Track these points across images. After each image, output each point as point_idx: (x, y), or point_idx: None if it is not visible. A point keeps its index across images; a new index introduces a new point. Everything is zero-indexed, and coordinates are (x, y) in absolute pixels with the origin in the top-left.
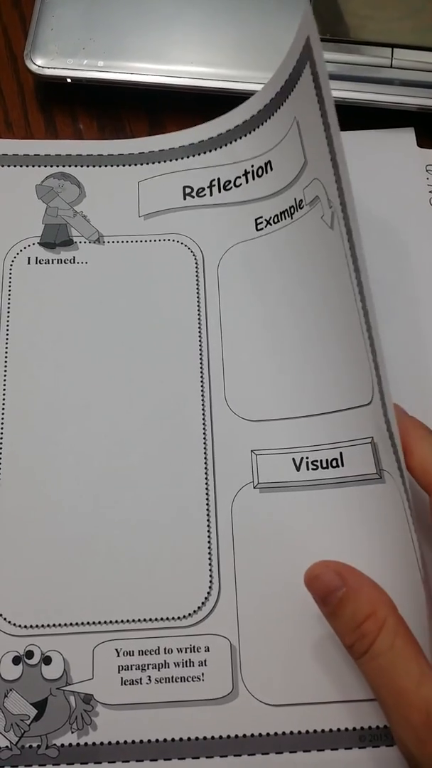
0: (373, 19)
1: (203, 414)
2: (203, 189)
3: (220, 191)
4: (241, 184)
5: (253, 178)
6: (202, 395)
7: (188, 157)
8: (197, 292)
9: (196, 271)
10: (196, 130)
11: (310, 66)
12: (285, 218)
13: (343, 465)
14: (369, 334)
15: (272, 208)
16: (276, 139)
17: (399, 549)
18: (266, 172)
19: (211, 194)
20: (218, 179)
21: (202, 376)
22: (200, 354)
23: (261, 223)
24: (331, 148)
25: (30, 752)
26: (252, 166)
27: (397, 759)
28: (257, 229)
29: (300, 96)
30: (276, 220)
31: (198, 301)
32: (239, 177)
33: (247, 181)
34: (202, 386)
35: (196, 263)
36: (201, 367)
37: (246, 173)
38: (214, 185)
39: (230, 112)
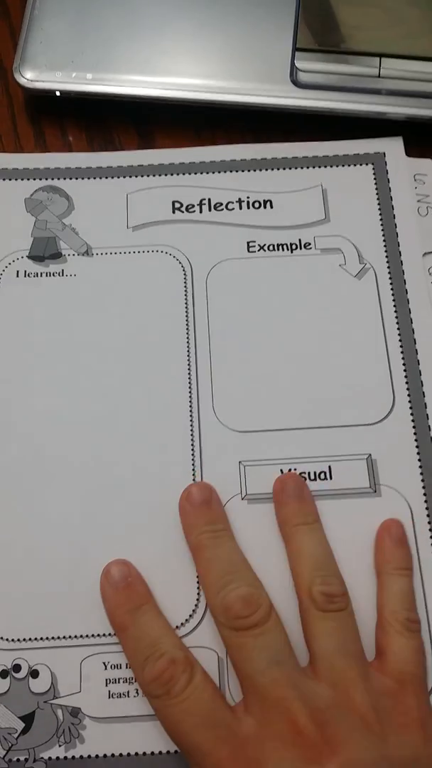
0: (361, 29)
1: (191, 425)
2: (192, 205)
3: (210, 210)
4: (233, 209)
5: (248, 207)
6: (191, 406)
7: (179, 174)
8: (186, 304)
9: (185, 283)
10: (190, 151)
11: (376, 173)
12: (282, 250)
13: (331, 478)
14: (406, 374)
15: (268, 238)
16: (285, 188)
17: None
18: (264, 207)
19: (200, 211)
20: (209, 199)
21: (190, 387)
22: (188, 365)
23: (254, 246)
24: (389, 239)
25: (17, 765)
26: (248, 197)
27: None
28: (249, 251)
29: (341, 177)
30: (271, 248)
31: (186, 313)
32: (232, 202)
33: (240, 208)
34: (190, 397)
35: (185, 275)
36: (189, 378)
37: (240, 201)
38: (204, 204)
39: (236, 146)
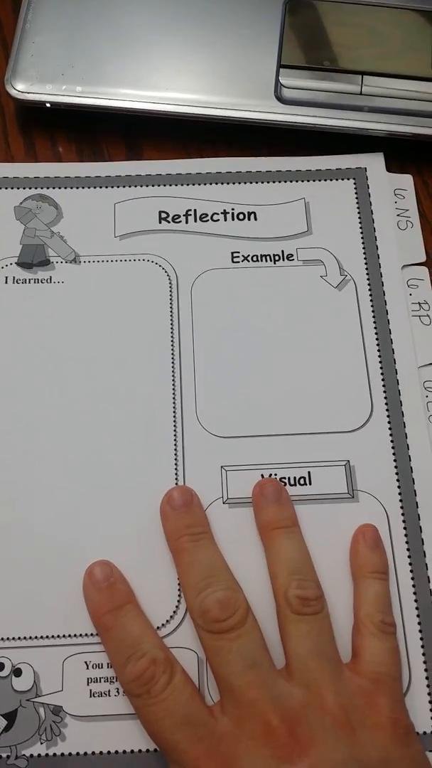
0: (344, 48)
1: (174, 430)
2: (179, 216)
3: (195, 221)
4: (218, 220)
5: (233, 219)
6: (174, 411)
7: (165, 185)
8: (171, 312)
9: (170, 292)
10: (177, 163)
11: (357, 188)
12: (265, 261)
13: (310, 483)
14: (384, 383)
15: (251, 249)
16: (269, 201)
17: None
18: (248, 219)
19: (186, 222)
20: (194, 210)
21: (174, 393)
22: (173, 371)
23: (237, 256)
24: (369, 252)
25: None
26: (233, 209)
27: None
28: (233, 261)
29: (323, 191)
30: (255, 259)
31: (171, 321)
32: (216, 213)
33: (225, 219)
34: (174, 402)
35: (170, 283)
36: (173, 384)
37: (225, 212)
38: (190, 214)
39: (221, 159)
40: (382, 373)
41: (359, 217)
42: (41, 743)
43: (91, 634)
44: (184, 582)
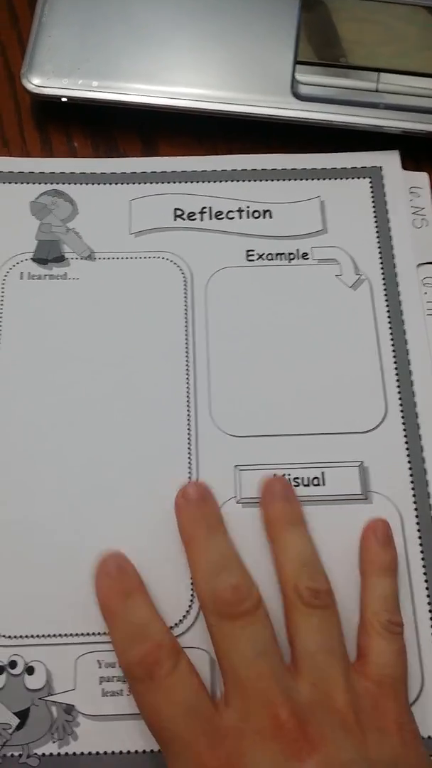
0: (361, 44)
1: (188, 428)
2: (194, 213)
3: (211, 218)
4: (234, 217)
5: (248, 217)
6: (188, 410)
7: (181, 182)
8: (185, 310)
9: (185, 289)
10: (192, 160)
11: (373, 187)
12: (280, 259)
13: (324, 484)
14: (398, 383)
15: (267, 247)
16: (284, 199)
17: None
18: (264, 217)
19: (201, 219)
20: (210, 207)
21: (188, 391)
22: (186, 369)
23: (252, 255)
24: (384, 251)
25: (11, 761)
26: (248, 207)
27: None
28: (248, 259)
29: (339, 189)
30: (269, 257)
31: (186, 319)
32: (232, 211)
33: (240, 217)
34: (188, 401)
35: (185, 281)
36: (187, 382)
37: (240, 210)
38: (205, 212)
39: (237, 156)
40: (396, 374)
41: (375, 216)
42: (53, 742)
43: (104, 633)
44: (195, 568)
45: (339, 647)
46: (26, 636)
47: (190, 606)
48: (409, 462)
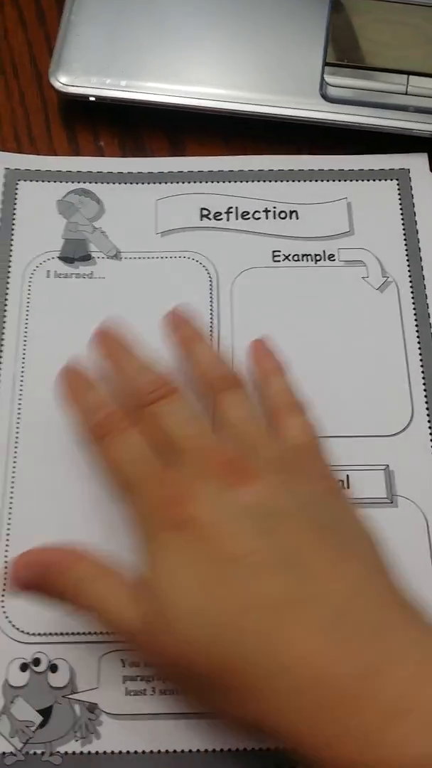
0: (390, 47)
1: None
2: (220, 213)
3: (237, 218)
4: (260, 218)
5: (274, 217)
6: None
7: (207, 182)
8: (211, 310)
9: (210, 289)
10: (219, 160)
11: (401, 189)
12: (306, 261)
13: (348, 487)
14: (425, 387)
15: (292, 248)
16: (311, 200)
17: (412, 573)
18: (290, 218)
19: (228, 219)
20: (236, 208)
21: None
22: None
23: (278, 256)
24: (411, 254)
25: (34, 759)
26: (274, 207)
27: None
28: (274, 260)
29: (366, 191)
30: (296, 258)
31: (211, 318)
32: (258, 211)
33: (267, 217)
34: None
35: (211, 281)
36: None
37: (266, 210)
38: (232, 212)
39: (264, 156)
40: (423, 377)
41: (402, 218)
42: (76, 741)
43: None
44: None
45: (257, 417)
46: (50, 633)
47: None
48: None
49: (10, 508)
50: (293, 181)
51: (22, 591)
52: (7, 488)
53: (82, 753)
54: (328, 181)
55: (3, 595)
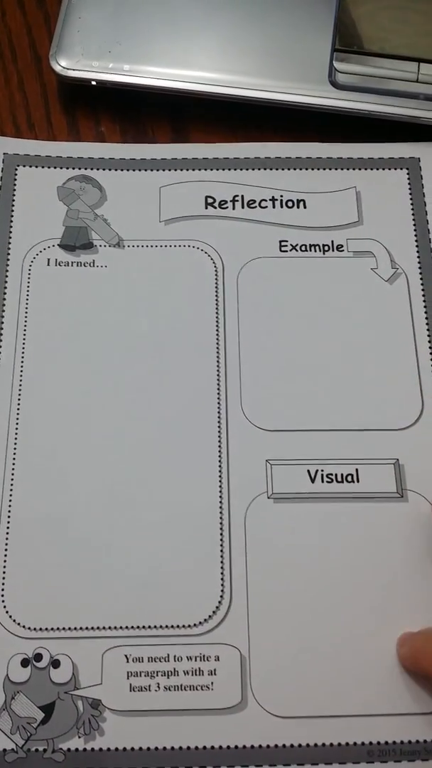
0: (401, 34)
1: (219, 422)
2: (226, 202)
3: (243, 207)
4: (266, 207)
5: (281, 206)
6: (218, 403)
7: (212, 169)
8: (216, 301)
9: (216, 279)
10: (225, 147)
11: (411, 178)
12: (314, 251)
13: (358, 481)
14: None
15: (300, 238)
16: (319, 189)
17: (422, 568)
18: (297, 207)
19: (233, 208)
20: (242, 196)
21: (218, 383)
22: (217, 362)
23: (286, 245)
24: (422, 244)
25: (36, 756)
26: (281, 196)
27: None
28: (281, 250)
29: (375, 180)
30: (303, 248)
31: (216, 309)
32: (265, 200)
33: (273, 206)
34: (218, 394)
35: (216, 271)
36: (218, 374)
37: (273, 199)
38: (237, 200)
39: (270, 144)
40: None
41: (412, 208)
42: (79, 737)
43: (132, 627)
44: None
45: None
46: (52, 629)
47: (220, 602)
48: None
49: (10, 498)
50: (300, 169)
51: None
52: (8, 476)
53: (85, 749)
54: (336, 169)
55: (3, 590)
